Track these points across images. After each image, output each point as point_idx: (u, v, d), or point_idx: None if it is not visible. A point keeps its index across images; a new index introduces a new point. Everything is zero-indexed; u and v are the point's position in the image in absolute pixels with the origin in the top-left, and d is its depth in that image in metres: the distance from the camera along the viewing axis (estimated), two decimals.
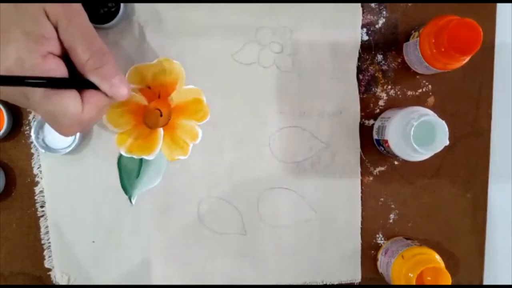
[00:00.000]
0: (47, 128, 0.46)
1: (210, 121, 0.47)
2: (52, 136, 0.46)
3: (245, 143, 0.49)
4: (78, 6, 0.37)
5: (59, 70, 0.35)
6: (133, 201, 0.48)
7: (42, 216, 0.48)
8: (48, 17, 0.34)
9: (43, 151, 0.46)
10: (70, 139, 0.46)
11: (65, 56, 0.36)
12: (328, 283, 0.51)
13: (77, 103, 0.35)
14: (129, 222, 0.48)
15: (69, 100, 0.35)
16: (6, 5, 0.34)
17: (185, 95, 0.47)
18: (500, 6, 0.50)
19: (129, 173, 0.48)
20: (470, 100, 0.51)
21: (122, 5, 0.45)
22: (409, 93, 0.50)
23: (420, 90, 0.50)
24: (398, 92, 0.50)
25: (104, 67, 0.36)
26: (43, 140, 0.46)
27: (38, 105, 0.35)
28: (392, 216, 0.51)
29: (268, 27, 0.48)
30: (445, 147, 0.42)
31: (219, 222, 0.49)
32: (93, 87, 0.37)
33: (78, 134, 0.45)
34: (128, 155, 0.46)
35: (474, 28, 0.40)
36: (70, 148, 0.45)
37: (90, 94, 0.36)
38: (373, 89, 0.50)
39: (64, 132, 0.37)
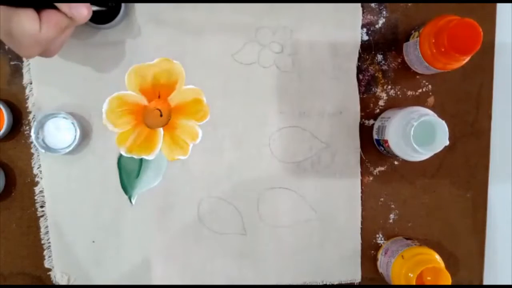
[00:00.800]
0: (47, 128, 0.46)
1: (210, 121, 0.47)
2: (52, 136, 0.46)
3: (245, 143, 0.49)
4: None
5: None
6: (133, 201, 0.48)
7: (42, 216, 0.48)
8: None
9: (43, 151, 0.46)
10: (70, 139, 0.45)
11: None
12: (328, 283, 0.51)
13: (34, 21, 0.35)
14: (129, 222, 0.48)
15: (25, 18, 0.34)
16: None
17: (185, 95, 0.47)
18: (500, 6, 0.50)
19: (129, 173, 0.48)
20: (470, 100, 0.51)
21: (122, 5, 0.45)
22: (409, 93, 0.50)
23: (420, 90, 0.50)
24: (398, 92, 0.50)
25: None
26: (43, 140, 0.46)
27: None
28: (392, 216, 0.51)
29: (268, 27, 0.48)
30: (445, 147, 0.42)
31: (219, 222, 0.49)
32: (53, 7, 0.36)
33: (78, 134, 0.45)
34: (128, 155, 0.46)
35: (474, 28, 0.40)
36: (70, 148, 0.45)
37: (48, 13, 0.36)
38: (373, 89, 0.50)
39: (24, 53, 0.36)
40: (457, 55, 0.41)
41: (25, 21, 0.34)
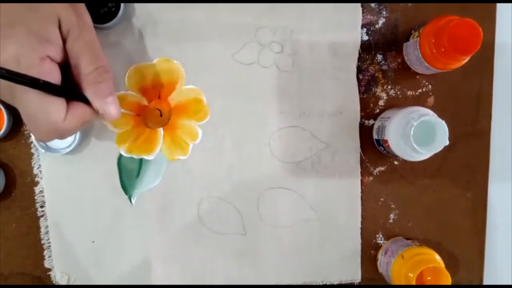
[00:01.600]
0: None
1: (210, 121, 0.47)
2: None
3: (245, 143, 0.49)
4: (90, 21, 0.38)
5: (53, 75, 0.35)
6: (133, 201, 0.48)
7: (42, 216, 0.48)
8: (60, 23, 0.35)
9: (43, 151, 0.46)
10: (70, 139, 0.46)
11: (62, 67, 0.36)
12: (328, 283, 0.51)
13: (61, 111, 0.35)
14: (129, 222, 0.48)
15: (54, 106, 0.35)
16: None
17: (185, 95, 0.47)
18: (500, 6, 0.50)
19: (129, 173, 0.48)
20: (470, 100, 0.51)
21: (122, 5, 0.45)
22: (409, 93, 0.50)
23: (420, 90, 0.50)
24: (398, 92, 0.50)
25: (103, 83, 0.37)
26: None
27: (23, 104, 0.34)
28: (392, 216, 0.51)
29: (268, 27, 0.48)
30: (445, 147, 0.42)
31: (219, 222, 0.49)
32: (84, 100, 0.37)
33: (78, 134, 0.45)
34: (128, 155, 0.46)
35: (474, 28, 0.40)
36: (70, 148, 0.45)
37: (76, 105, 0.36)
38: (373, 89, 0.50)
39: (39, 137, 0.37)
40: (457, 55, 0.41)
41: (53, 109, 0.35)
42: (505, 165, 0.53)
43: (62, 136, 0.37)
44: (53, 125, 0.35)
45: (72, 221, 0.48)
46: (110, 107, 0.37)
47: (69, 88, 0.37)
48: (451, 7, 0.49)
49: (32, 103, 0.34)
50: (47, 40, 0.34)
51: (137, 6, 0.46)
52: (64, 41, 0.36)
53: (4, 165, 0.48)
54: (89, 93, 0.36)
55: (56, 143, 0.46)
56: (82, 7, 0.37)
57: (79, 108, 0.36)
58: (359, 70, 0.49)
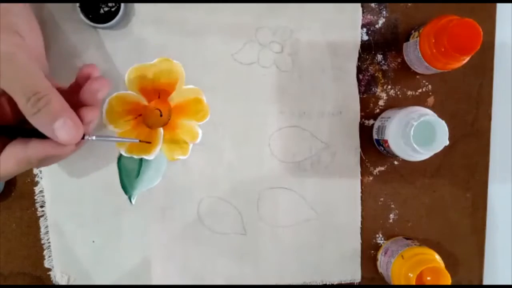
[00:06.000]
0: None
1: (210, 121, 0.47)
2: None
3: (245, 143, 0.49)
4: (12, 47, 0.33)
5: None
6: (133, 201, 0.48)
7: (42, 216, 0.48)
8: None
9: None
10: None
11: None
12: (328, 283, 0.51)
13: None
14: (129, 222, 0.48)
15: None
16: None
17: (185, 95, 0.47)
18: (500, 6, 0.50)
19: (129, 173, 0.48)
20: (470, 100, 0.51)
21: (122, 5, 0.45)
22: (409, 93, 0.50)
23: (420, 90, 0.50)
24: (398, 92, 0.50)
25: (41, 111, 0.33)
26: None
27: None
28: (392, 216, 0.51)
29: (268, 27, 0.48)
30: (445, 147, 0.42)
31: (219, 222, 0.49)
32: (42, 135, 0.34)
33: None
34: (128, 155, 0.46)
35: (474, 28, 0.40)
36: None
37: (10, 148, 0.34)
38: (373, 89, 0.50)
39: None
40: (457, 55, 0.41)
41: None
42: (505, 165, 0.53)
43: (34, 165, 0.35)
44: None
45: (72, 221, 0.48)
46: (61, 133, 0.33)
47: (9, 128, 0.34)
48: (451, 7, 0.49)
49: None
50: None
51: (137, 6, 0.46)
52: None
53: None
54: (35, 125, 0.33)
55: None
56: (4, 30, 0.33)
57: (12, 151, 0.34)
58: (359, 70, 0.49)
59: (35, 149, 0.34)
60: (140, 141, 0.44)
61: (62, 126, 0.33)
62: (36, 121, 0.33)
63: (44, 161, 0.36)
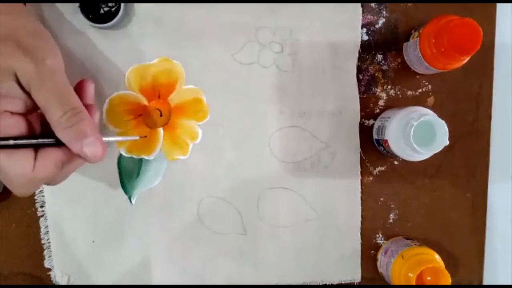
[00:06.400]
0: None
1: (210, 121, 0.47)
2: None
3: (245, 143, 0.49)
4: (55, 63, 0.35)
5: (16, 128, 0.34)
6: (133, 201, 0.48)
7: (42, 216, 0.48)
8: (18, 78, 0.34)
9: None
10: None
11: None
12: (328, 283, 0.51)
13: (27, 161, 0.34)
14: (129, 222, 0.48)
15: (19, 158, 0.33)
16: None
17: (185, 95, 0.47)
18: (500, 6, 0.50)
19: (129, 173, 0.48)
20: (470, 100, 0.51)
21: (122, 5, 0.45)
22: (409, 93, 0.50)
23: (420, 90, 0.50)
24: (398, 92, 0.50)
25: (75, 127, 0.34)
26: None
27: None
28: (392, 216, 0.51)
29: (268, 27, 0.48)
30: (445, 147, 0.42)
31: (219, 222, 0.49)
32: (59, 145, 0.35)
33: None
34: (128, 155, 0.46)
35: (474, 28, 0.40)
36: None
37: (45, 152, 0.35)
38: (373, 89, 0.50)
39: (17, 191, 0.35)
40: (457, 55, 0.41)
41: (18, 161, 0.33)
42: (505, 165, 0.53)
43: (40, 185, 0.36)
44: (24, 177, 0.34)
45: (72, 221, 0.48)
46: (89, 149, 0.35)
47: (42, 137, 0.35)
48: (451, 7, 0.49)
49: (1, 161, 0.33)
50: (4, 96, 0.33)
51: (137, 6, 0.46)
52: (28, 92, 0.34)
53: None
54: (63, 139, 0.35)
55: None
56: (42, 49, 0.35)
57: (49, 154, 0.35)
58: (359, 70, 0.49)
59: (59, 154, 0.35)
60: (140, 137, 0.44)
61: (91, 144, 0.35)
62: (67, 135, 0.34)
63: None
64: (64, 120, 0.34)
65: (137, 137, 0.44)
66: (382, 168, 0.51)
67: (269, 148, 0.49)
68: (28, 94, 0.34)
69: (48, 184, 0.38)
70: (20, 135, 0.35)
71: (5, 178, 0.34)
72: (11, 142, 0.33)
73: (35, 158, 0.34)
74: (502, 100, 0.52)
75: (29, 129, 0.36)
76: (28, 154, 0.34)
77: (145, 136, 0.46)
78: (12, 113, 0.34)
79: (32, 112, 0.36)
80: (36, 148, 0.35)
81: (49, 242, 0.48)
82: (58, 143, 0.35)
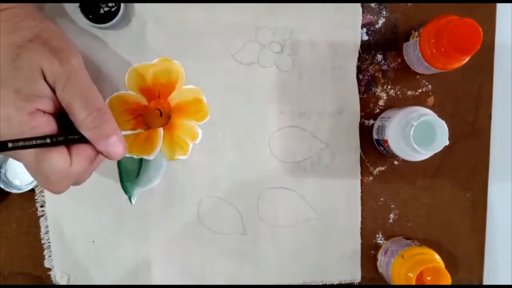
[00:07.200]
0: (11, 163, 0.47)
1: (210, 121, 0.47)
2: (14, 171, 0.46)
3: (245, 143, 0.49)
4: (79, 64, 0.36)
5: (48, 127, 0.35)
6: (133, 201, 0.48)
7: (42, 216, 0.48)
8: (44, 76, 0.34)
9: (2, 186, 0.46)
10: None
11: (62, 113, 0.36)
12: (328, 283, 0.51)
13: (64, 157, 0.34)
14: (129, 222, 0.48)
15: (55, 155, 0.34)
16: (5, 62, 0.34)
17: (185, 95, 0.47)
18: (500, 6, 0.50)
19: (129, 173, 0.48)
20: (470, 100, 0.51)
21: (122, 5, 0.45)
22: (409, 93, 0.50)
23: (420, 90, 0.50)
24: (398, 92, 0.50)
25: (100, 127, 0.36)
26: (5, 174, 0.46)
27: (26, 163, 0.34)
28: (392, 216, 0.51)
29: (268, 27, 0.48)
30: (445, 147, 0.42)
31: (219, 222, 0.49)
32: (84, 141, 0.36)
33: None
34: (128, 155, 0.46)
35: (474, 28, 0.40)
36: (31, 186, 0.46)
37: (78, 147, 0.36)
38: (373, 89, 0.50)
39: (53, 189, 0.36)
40: (457, 55, 0.41)
41: (55, 158, 0.34)
42: (505, 165, 0.53)
43: (77, 181, 0.37)
44: (62, 173, 0.35)
45: (72, 221, 0.48)
46: (113, 148, 0.36)
47: (73, 134, 0.36)
48: (451, 7, 0.49)
49: (35, 160, 0.34)
50: (33, 95, 0.34)
51: (137, 6, 0.46)
52: (53, 90, 0.35)
53: None
54: (89, 138, 0.36)
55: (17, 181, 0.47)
56: (67, 50, 0.36)
57: (81, 149, 0.36)
58: (359, 70, 0.49)
59: (91, 149, 0.36)
60: (144, 130, 0.45)
61: (115, 143, 0.36)
62: (93, 135, 0.36)
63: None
64: (89, 121, 0.35)
65: (142, 130, 0.45)
66: (382, 168, 0.51)
67: (269, 148, 0.49)
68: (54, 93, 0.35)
69: (77, 183, 0.38)
70: (52, 134, 0.35)
71: (41, 177, 0.35)
72: (48, 140, 0.34)
73: (70, 155, 0.35)
74: (502, 100, 0.52)
75: (58, 128, 0.36)
76: (64, 150, 0.35)
77: (148, 128, 0.46)
78: (44, 112, 0.35)
79: (57, 111, 0.36)
80: (67, 145, 0.35)
81: (49, 242, 0.48)
82: (85, 140, 0.36)
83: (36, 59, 0.34)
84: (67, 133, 0.35)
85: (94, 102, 0.36)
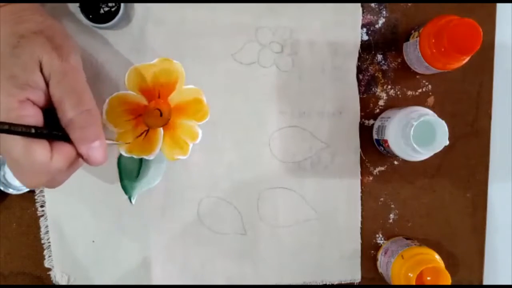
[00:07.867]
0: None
1: (210, 121, 0.47)
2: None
3: (245, 143, 0.49)
4: (78, 64, 0.37)
5: (34, 118, 0.34)
6: (133, 201, 0.48)
7: (42, 216, 0.48)
8: (41, 68, 0.34)
9: (1, 188, 0.46)
10: None
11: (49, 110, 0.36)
12: (328, 283, 0.51)
13: (45, 150, 0.34)
14: (129, 222, 0.48)
15: (37, 147, 0.33)
16: (5, 48, 0.34)
17: (185, 95, 0.47)
18: (500, 6, 0.50)
19: (129, 173, 0.48)
20: (470, 100, 0.51)
21: (122, 5, 0.45)
22: (409, 93, 0.50)
23: (420, 90, 0.50)
24: (398, 92, 0.50)
25: (87, 129, 0.35)
26: (4, 176, 0.46)
27: (6, 150, 0.34)
28: (392, 216, 0.51)
29: (268, 27, 0.48)
30: (445, 147, 0.42)
31: (219, 222, 0.49)
32: (66, 140, 0.35)
33: None
34: (128, 155, 0.46)
35: (474, 28, 0.40)
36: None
37: (60, 144, 0.35)
38: (373, 89, 0.50)
39: (29, 181, 0.35)
40: (457, 55, 0.41)
41: (38, 149, 0.33)
42: (505, 165, 0.53)
43: (52, 177, 0.36)
44: (42, 166, 0.34)
45: (72, 221, 0.48)
46: (94, 153, 0.35)
47: (57, 131, 0.35)
48: (451, 7, 0.49)
49: (17, 148, 0.33)
50: (27, 84, 0.33)
51: (137, 6, 0.46)
52: (47, 84, 0.35)
53: None
54: (73, 138, 0.35)
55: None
56: (69, 49, 0.36)
57: (63, 147, 0.35)
58: (359, 70, 0.49)
59: (73, 150, 0.35)
60: (124, 143, 0.45)
61: (98, 148, 0.35)
62: (78, 135, 0.35)
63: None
64: (78, 120, 0.35)
65: (124, 143, 0.45)
66: (382, 168, 0.51)
67: (269, 148, 0.49)
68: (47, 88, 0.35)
69: (52, 183, 0.37)
70: (37, 126, 0.35)
71: (17, 167, 0.35)
72: (33, 130, 0.33)
73: (51, 150, 0.35)
74: (502, 100, 0.52)
75: (44, 123, 0.36)
76: (45, 144, 0.34)
77: (129, 143, 0.45)
78: (33, 104, 0.34)
79: (46, 107, 0.36)
80: (49, 141, 0.35)
81: (49, 242, 0.48)
82: (68, 139, 0.35)
83: (37, 51, 0.34)
84: (51, 129, 0.35)
85: (86, 103, 0.35)
